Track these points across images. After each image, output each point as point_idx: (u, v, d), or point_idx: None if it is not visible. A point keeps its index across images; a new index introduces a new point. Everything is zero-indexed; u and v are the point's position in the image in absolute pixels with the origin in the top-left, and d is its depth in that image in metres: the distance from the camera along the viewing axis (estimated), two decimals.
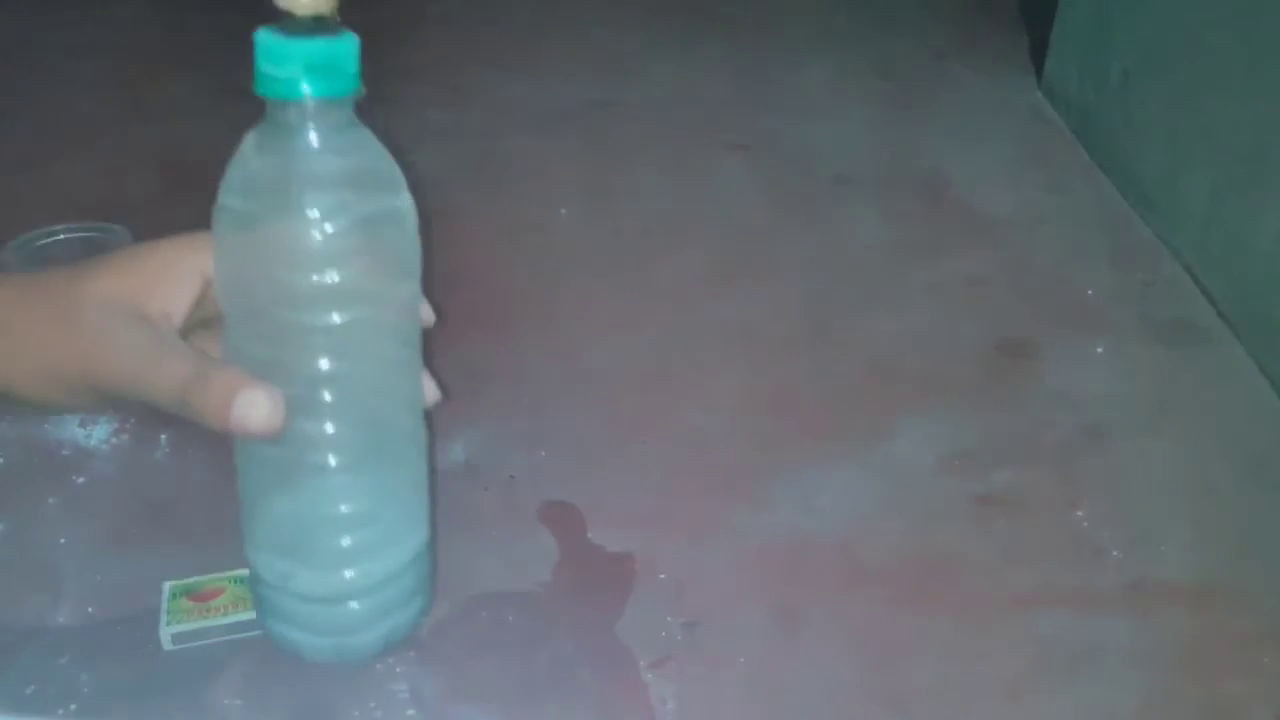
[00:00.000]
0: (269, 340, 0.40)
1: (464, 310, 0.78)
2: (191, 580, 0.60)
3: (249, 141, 0.39)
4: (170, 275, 0.41)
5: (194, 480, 0.70)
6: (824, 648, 0.59)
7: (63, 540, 0.65)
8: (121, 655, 0.58)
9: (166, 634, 0.57)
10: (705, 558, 0.65)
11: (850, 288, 0.92)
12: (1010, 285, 0.92)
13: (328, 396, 0.41)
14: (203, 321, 0.43)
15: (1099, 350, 0.84)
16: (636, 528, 0.67)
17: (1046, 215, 1.03)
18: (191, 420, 0.40)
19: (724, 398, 0.79)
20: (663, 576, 0.63)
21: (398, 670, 0.57)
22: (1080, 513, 0.68)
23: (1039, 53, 1.30)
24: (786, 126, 1.20)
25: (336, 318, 0.39)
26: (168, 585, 0.60)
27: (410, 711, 0.55)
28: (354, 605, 0.45)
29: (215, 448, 0.72)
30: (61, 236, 0.76)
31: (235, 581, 0.59)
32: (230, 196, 0.39)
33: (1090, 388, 0.80)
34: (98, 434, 0.73)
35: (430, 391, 0.46)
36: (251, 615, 0.56)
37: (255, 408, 0.39)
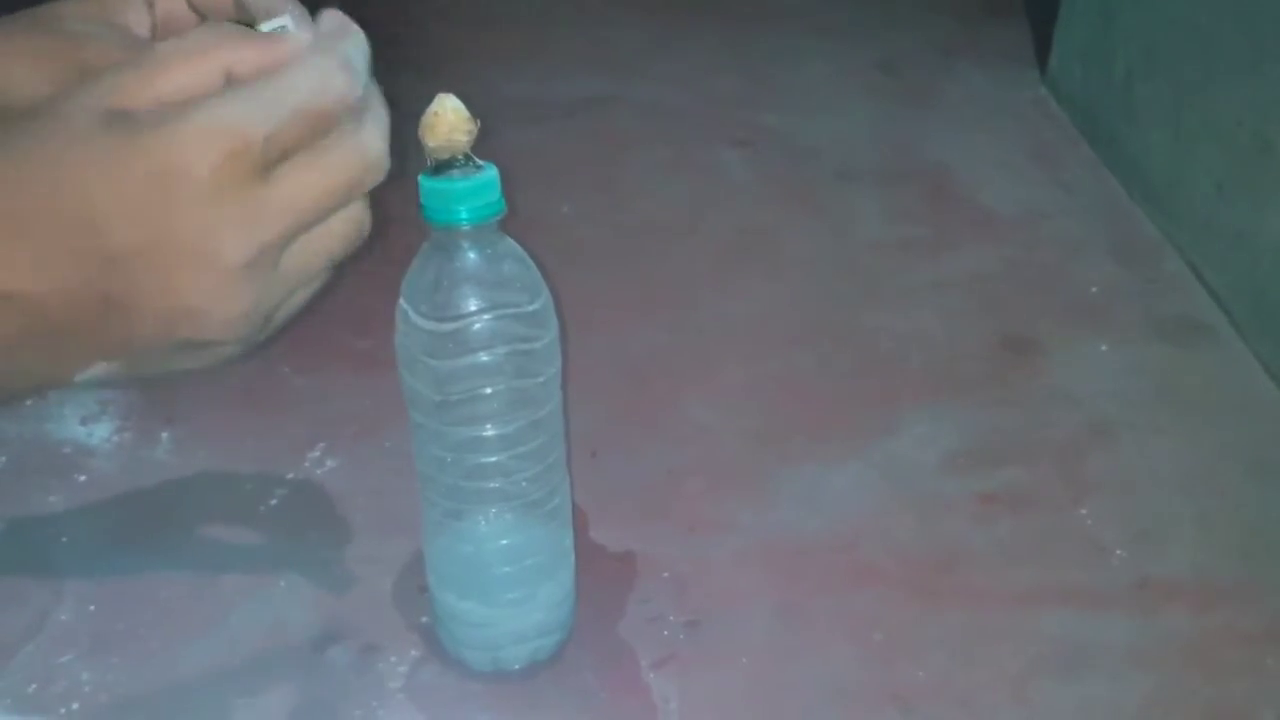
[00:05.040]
0: (440, 411, 0.51)
1: None
2: None
3: (422, 254, 0.49)
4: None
5: (195, 479, 0.70)
6: (828, 646, 0.59)
7: (64, 539, 0.65)
8: (124, 654, 0.58)
9: None
10: (708, 556, 0.65)
11: (853, 284, 0.92)
12: (1014, 282, 0.92)
13: (491, 455, 0.52)
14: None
15: (1103, 347, 0.83)
16: (638, 526, 0.67)
17: (1050, 211, 1.03)
18: None
19: (727, 394, 0.79)
20: (665, 575, 0.63)
21: (399, 670, 0.57)
22: (1084, 511, 0.68)
23: (1043, 48, 1.30)
24: (789, 122, 1.20)
25: (489, 389, 0.50)
26: None
27: (411, 711, 0.55)
28: (506, 630, 0.56)
29: (216, 446, 0.73)
30: None
31: None
32: (409, 299, 0.49)
33: (1094, 385, 0.79)
34: (99, 432, 0.73)
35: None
36: None
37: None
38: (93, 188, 0.32)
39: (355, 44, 0.37)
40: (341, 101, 0.35)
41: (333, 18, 0.37)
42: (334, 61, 0.35)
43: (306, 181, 0.34)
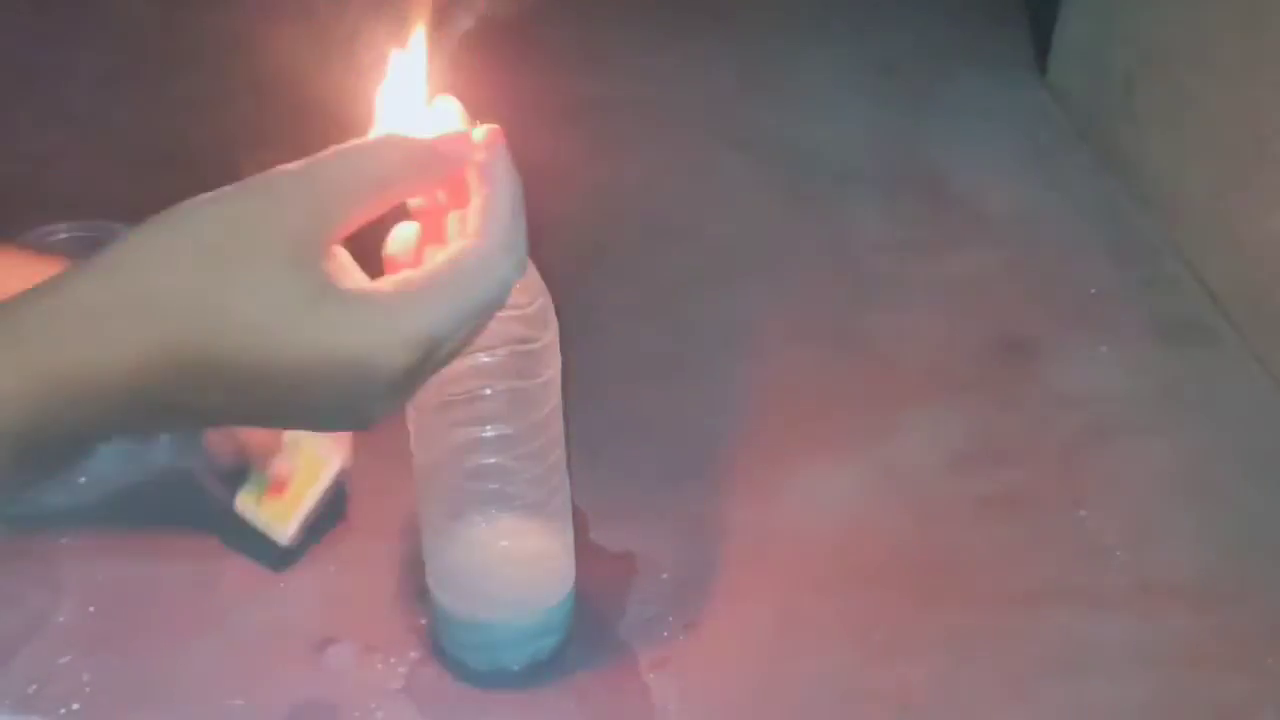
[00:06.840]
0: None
1: None
2: (255, 485, 0.61)
3: None
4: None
5: (195, 479, 0.70)
6: (827, 647, 0.59)
7: (64, 539, 0.65)
8: (124, 654, 0.58)
9: (284, 538, 0.61)
10: (707, 557, 0.65)
11: (852, 285, 0.92)
12: (1013, 283, 0.92)
13: (490, 457, 0.53)
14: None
15: (1102, 348, 0.84)
16: (638, 527, 0.67)
17: (1049, 213, 1.03)
18: None
19: (725, 396, 0.79)
20: (665, 576, 0.63)
21: (399, 671, 0.57)
22: (1083, 512, 0.68)
23: (1042, 50, 1.30)
24: (787, 124, 1.20)
25: (489, 390, 0.51)
26: (239, 500, 0.61)
27: (411, 711, 0.55)
28: (506, 631, 0.57)
29: (215, 449, 0.72)
30: (63, 235, 0.75)
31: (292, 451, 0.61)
32: None
33: (1093, 386, 0.79)
34: None
35: None
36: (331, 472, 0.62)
37: None
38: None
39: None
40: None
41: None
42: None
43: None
